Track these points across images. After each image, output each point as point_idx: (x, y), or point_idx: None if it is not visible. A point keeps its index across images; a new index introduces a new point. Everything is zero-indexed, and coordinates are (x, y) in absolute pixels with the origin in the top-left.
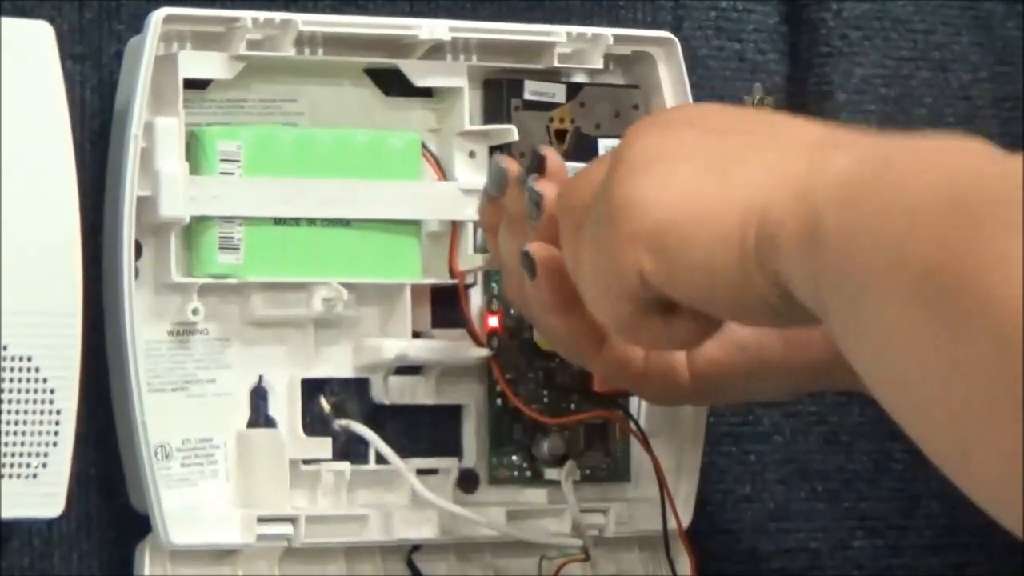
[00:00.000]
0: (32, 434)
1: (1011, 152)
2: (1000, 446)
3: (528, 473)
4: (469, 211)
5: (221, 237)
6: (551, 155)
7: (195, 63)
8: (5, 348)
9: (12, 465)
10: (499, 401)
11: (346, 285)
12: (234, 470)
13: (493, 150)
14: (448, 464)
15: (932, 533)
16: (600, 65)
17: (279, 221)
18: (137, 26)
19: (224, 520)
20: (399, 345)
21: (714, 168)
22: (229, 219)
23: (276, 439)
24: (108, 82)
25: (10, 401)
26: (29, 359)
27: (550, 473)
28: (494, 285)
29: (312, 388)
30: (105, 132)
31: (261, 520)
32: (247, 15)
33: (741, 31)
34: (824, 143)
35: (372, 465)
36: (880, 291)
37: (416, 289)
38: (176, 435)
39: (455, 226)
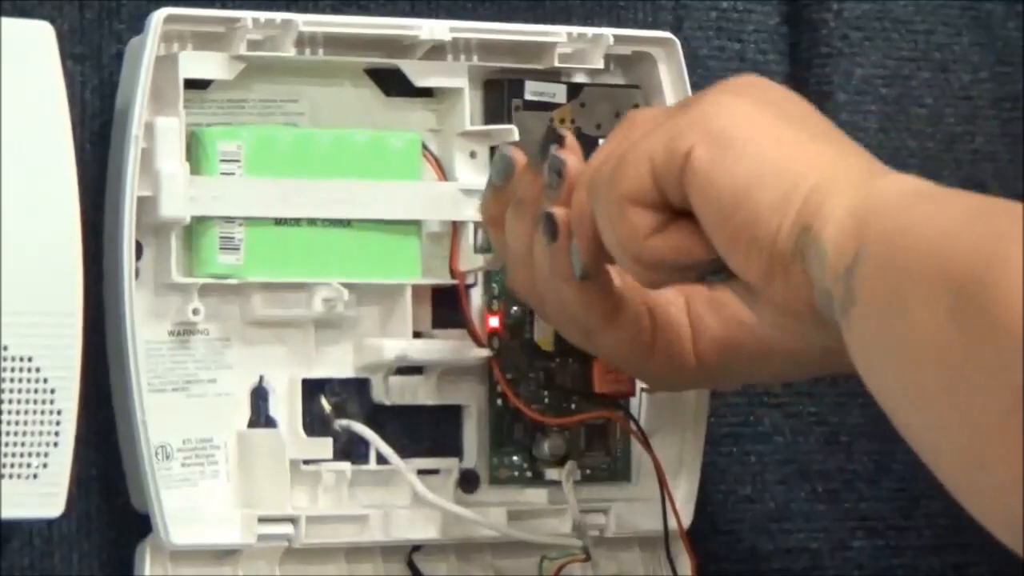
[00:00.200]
0: (32, 434)
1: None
2: (1017, 455)
3: (529, 473)
4: (469, 211)
5: (221, 237)
6: (570, 135)
7: (196, 63)
8: (5, 348)
9: (12, 465)
10: (500, 401)
11: (347, 285)
12: (235, 470)
13: (494, 150)
14: (449, 464)
15: (932, 533)
16: (600, 65)
17: (280, 221)
18: (138, 26)
19: (225, 520)
20: (400, 345)
21: (792, 131)
22: (229, 219)
23: (277, 439)
24: (108, 82)
25: (10, 401)
26: (29, 359)
27: (551, 473)
28: (494, 285)
29: (313, 388)
30: (105, 132)
31: (262, 520)
32: (248, 15)
33: (741, 31)
34: (879, 168)
35: (373, 465)
36: (916, 298)
37: (417, 289)
38: (177, 435)
39: (455, 226)
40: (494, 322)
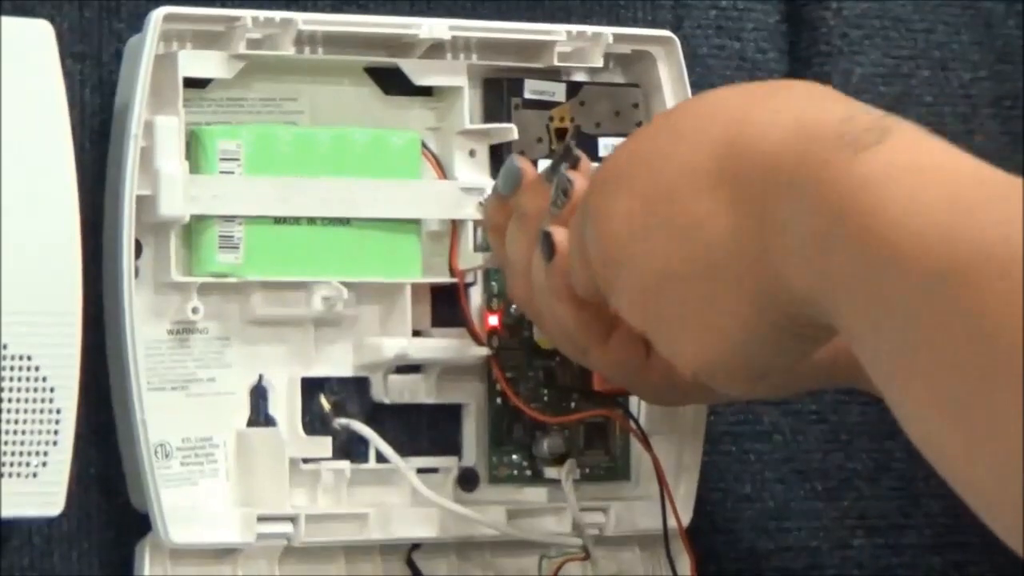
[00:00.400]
0: (32, 433)
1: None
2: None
3: (528, 472)
4: (469, 210)
5: (221, 236)
6: (585, 159)
7: (195, 62)
8: (5, 347)
9: (12, 464)
10: (499, 400)
11: (346, 284)
12: (234, 469)
13: (493, 149)
14: (448, 463)
15: (932, 532)
16: (600, 64)
17: (279, 220)
18: (137, 25)
19: (224, 519)
20: (399, 344)
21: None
22: (229, 218)
23: (276, 438)
24: (108, 81)
25: (10, 400)
26: (29, 358)
27: (550, 472)
28: (494, 284)
29: (312, 387)
30: (105, 131)
31: (261, 519)
32: (247, 14)
33: (741, 30)
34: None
35: (372, 464)
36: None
37: (416, 288)
38: (176, 434)
39: (455, 225)
40: (494, 321)
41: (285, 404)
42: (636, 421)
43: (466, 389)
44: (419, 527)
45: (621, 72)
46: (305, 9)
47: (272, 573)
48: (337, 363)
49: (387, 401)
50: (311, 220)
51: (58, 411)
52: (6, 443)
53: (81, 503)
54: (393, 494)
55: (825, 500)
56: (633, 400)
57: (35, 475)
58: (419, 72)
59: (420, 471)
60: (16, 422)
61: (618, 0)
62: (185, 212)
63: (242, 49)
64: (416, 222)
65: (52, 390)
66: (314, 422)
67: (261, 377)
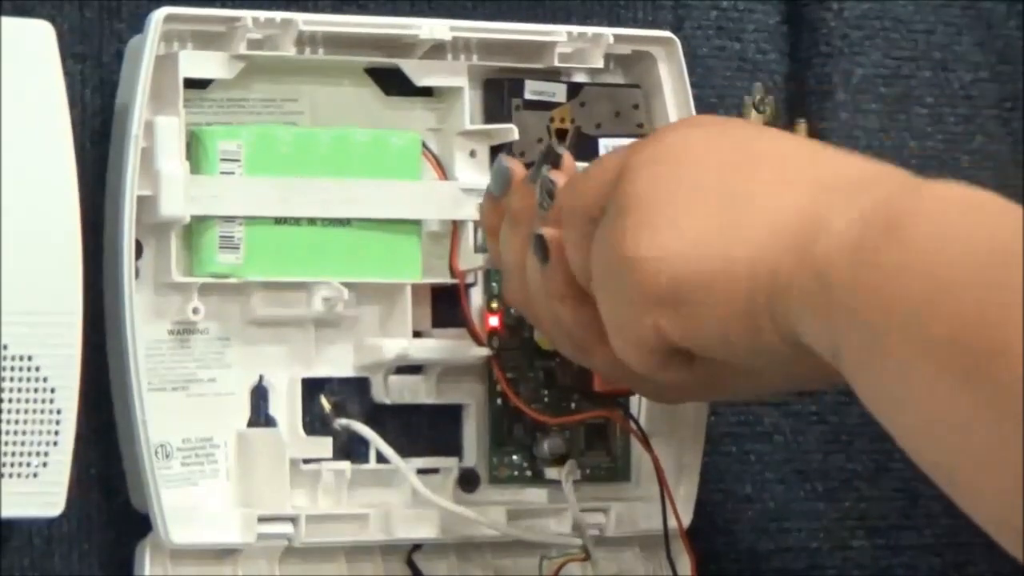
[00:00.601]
0: (32, 433)
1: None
2: None
3: (528, 473)
4: (470, 210)
5: (221, 236)
6: (567, 156)
7: (196, 62)
8: (5, 348)
9: (12, 464)
10: (499, 401)
11: (346, 284)
12: (234, 469)
13: (494, 150)
14: (448, 464)
15: (932, 532)
16: (600, 65)
17: (279, 220)
18: (138, 25)
19: (224, 519)
20: (399, 344)
21: (718, 216)
22: (229, 218)
23: (276, 438)
24: (109, 81)
25: (10, 401)
26: (29, 359)
27: (550, 473)
28: (494, 285)
29: (312, 387)
30: (105, 132)
31: (261, 519)
32: (248, 15)
33: (742, 31)
34: (819, 194)
35: (372, 464)
36: (900, 355)
37: (416, 288)
38: (176, 434)
39: (455, 226)
40: (494, 321)
41: (285, 404)
42: (636, 422)
43: (466, 390)
44: (419, 528)
45: (622, 73)
46: (305, 9)
47: (272, 573)
48: (337, 363)
49: (387, 402)
50: (311, 221)
51: (58, 411)
52: (6, 443)
53: (81, 503)
54: (393, 495)
55: (825, 501)
56: (633, 401)
57: (35, 475)
58: (419, 73)
59: (420, 472)
60: (16, 422)
61: (618, 1)
62: (185, 212)
63: (242, 50)
64: (416, 223)
65: (52, 390)
66: (314, 422)
67: (261, 377)
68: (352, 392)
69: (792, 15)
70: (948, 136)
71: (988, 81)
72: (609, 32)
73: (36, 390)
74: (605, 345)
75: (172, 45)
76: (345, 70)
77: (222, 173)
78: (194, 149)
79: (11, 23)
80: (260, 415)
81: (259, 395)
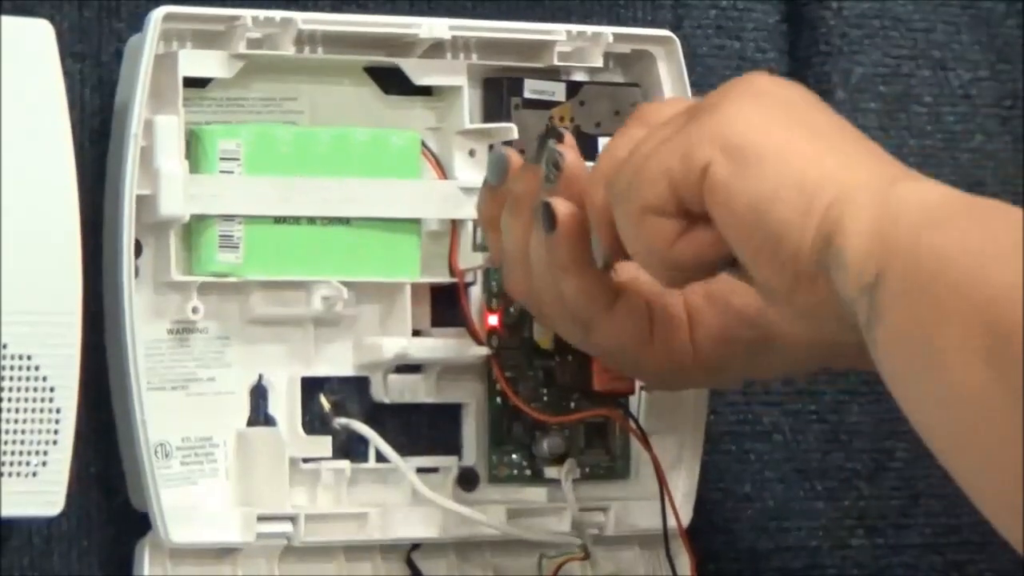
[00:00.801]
0: (32, 432)
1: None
2: None
3: (528, 471)
4: (469, 209)
5: (221, 235)
6: (569, 134)
7: (195, 61)
8: (5, 347)
9: (12, 464)
10: (499, 399)
11: (346, 283)
12: (234, 469)
13: (493, 149)
14: (448, 462)
15: (932, 531)
16: (600, 63)
17: (279, 219)
18: (137, 24)
19: (224, 519)
20: (399, 343)
21: (810, 142)
22: (229, 217)
23: (276, 437)
24: (108, 81)
25: (10, 400)
26: (29, 358)
27: (550, 471)
28: (494, 284)
29: (312, 386)
30: (105, 131)
31: (261, 519)
32: (247, 13)
33: (741, 29)
34: (901, 172)
35: (372, 463)
36: (930, 316)
37: (416, 288)
38: (176, 434)
39: (455, 224)
40: (493, 320)
41: (285, 404)
42: (636, 421)
43: (466, 389)
44: (419, 527)
45: (621, 72)
46: (305, 9)
47: (272, 573)
48: (337, 363)
49: (387, 401)
50: (311, 220)
51: (58, 411)
52: (6, 443)
53: (81, 503)
54: (393, 494)
55: (825, 500)
56: (633, 400)
57: (35, 474)
58: (419, 72)
59: (420, 471)
60: (16, 422)
61: (618, 0)
62: (185, 212)
63: (242, 49)
64: (416, 222)
65: (52, 390)
66: (314, 422)
67: (261, 377)
68: (351, 391)
69: (791, 14)
70: (947, 135)
71: (987, 80)
72: (608, 31)
73: (36, 389)
74: (608, 318)
75: (171, 44)
76: (344, 69)
77: (221, 172)
78: (193, 148)
79: (11, 22)
80: (259, 414)
81: (258, 394)
